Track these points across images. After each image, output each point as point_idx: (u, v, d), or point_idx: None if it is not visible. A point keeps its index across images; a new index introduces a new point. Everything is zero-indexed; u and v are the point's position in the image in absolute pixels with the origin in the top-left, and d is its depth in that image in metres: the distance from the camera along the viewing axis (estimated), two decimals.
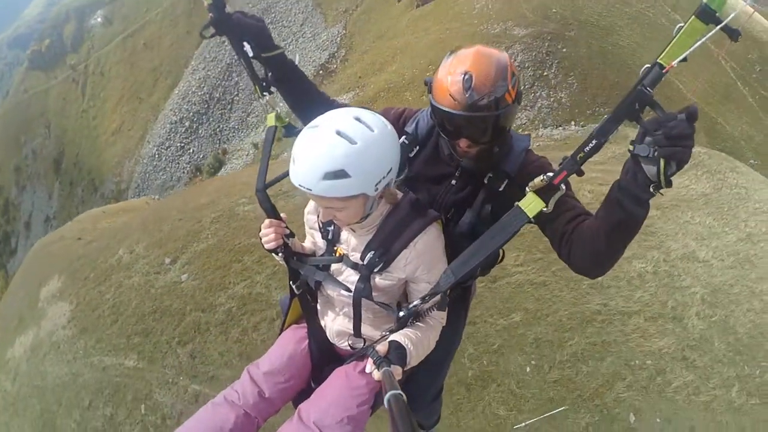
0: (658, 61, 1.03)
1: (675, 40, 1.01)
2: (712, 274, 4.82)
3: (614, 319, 4.25)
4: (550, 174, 1.24)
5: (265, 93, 1.67)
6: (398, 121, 1.69)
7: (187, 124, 26.87)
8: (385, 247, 1.44)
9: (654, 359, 4.00)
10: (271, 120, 1.70)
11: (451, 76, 1.33)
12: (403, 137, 1.61)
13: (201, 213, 6.73)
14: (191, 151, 26.45)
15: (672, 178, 1.03)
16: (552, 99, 13.67)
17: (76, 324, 5.60)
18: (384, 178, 1.27)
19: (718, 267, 4.91)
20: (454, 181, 1.59)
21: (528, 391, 3.74)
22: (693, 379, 3.95)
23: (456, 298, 1.73)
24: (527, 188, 1.29)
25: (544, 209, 1.26)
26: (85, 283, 6.18)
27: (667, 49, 1.02)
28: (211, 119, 26.44)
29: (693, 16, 0.99)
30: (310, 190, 1.21)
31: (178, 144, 26.79)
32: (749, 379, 4.02)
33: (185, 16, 31.03)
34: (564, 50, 14.47)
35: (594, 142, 1.14)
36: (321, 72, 23.72)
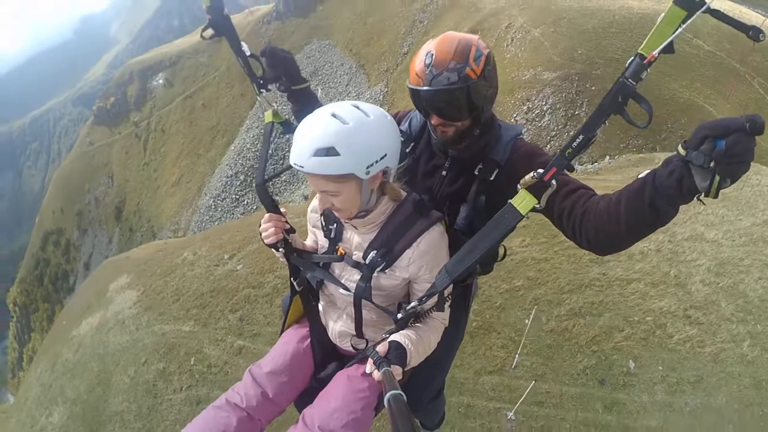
0: (639, 51, 1.01)
1: (655, 29, 0.99)
2: (721, 251, 4.93)
3: (613, 284, 4.52)
4: (540, 171, 1.23)
5: (262, 90, 1.72)
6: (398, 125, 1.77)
7: (242, 177, 29.94)
8: (387, 247, 1.45)
9: (654, 316, 4.18)
10: (269, 117, 1.73)
11: (417, 57, 1.44)
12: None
13: (257, 225, 7.91)
14: (245, 202, 29.23)
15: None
16: None
17: (142, 304, 6.66)
18: (377, 162, 1.28)
19: (728, 245, 5.01)
20: (444, 172, 1.63)
21: (526, 339, 4.07)
22: (697, 333, 4.06)
23: (456, 297, 1.68)
24: (519, 186, 1.28)
25: (537, 206, 1.25)
26: (152, 276, 7.35)
27: (647, 39, 1.00)
28: None
29: (672, 3, 0.98)
30: (302, 167, 1.24)
31: (233, 196, 29.76)
32: (762, 335, 4.04)
33: (240, 78, 35.83)
34: (593, 88, 15.22)
35: (581, 137, 1.13)
36: None
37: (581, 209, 1.28)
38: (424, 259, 1.44)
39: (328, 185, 1.30)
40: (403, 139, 1.60)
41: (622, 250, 1.28)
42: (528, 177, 1.25)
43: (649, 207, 1.08)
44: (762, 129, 0.85)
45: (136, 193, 39.86)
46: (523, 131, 1.60)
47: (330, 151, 1.21)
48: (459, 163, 1.60)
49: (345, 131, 1.23)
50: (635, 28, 16.18)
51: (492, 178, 1.52)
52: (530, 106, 15.90)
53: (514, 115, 15.80)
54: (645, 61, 1.00)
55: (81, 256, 40.92)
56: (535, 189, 1.25)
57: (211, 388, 4.79)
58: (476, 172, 1.54)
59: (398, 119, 1.77)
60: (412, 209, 1.46)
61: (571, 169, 1.26)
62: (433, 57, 1.38)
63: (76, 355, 6.65)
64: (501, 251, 1.82)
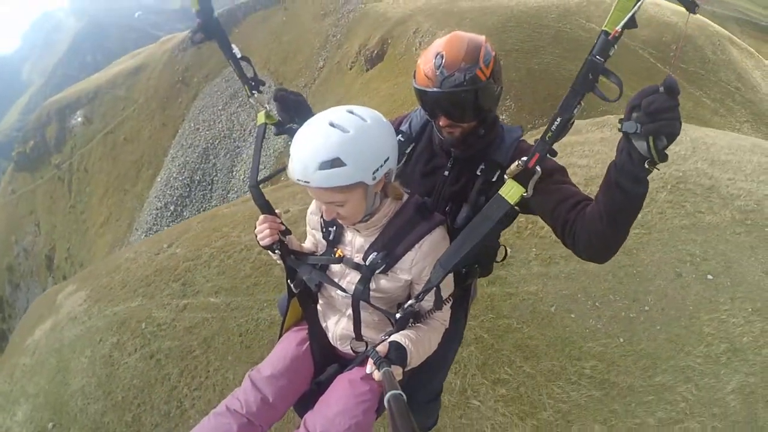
0: (603, 29, 1.03)
1: (616, 4, 1.00)
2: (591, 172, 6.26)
3: None
4: (524, 158, 1.25)
5: (253, 92, 1.71)
6: (397, 128, 1.77)
7: (172, 208, 29.61)
8: (388, 249, 1.45)
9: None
10: (261, 118, 1.74)
11: (426, 57, 1.46)
12: (399, 136, 1.68)
13: (191, 223, 8.58)
14: None
15: (667, 151, 1.01)
16: None
17: (91, 299, 6.97)
18: (381, 166, 1.29)
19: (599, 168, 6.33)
20: (447, 172, 1.64)
21: None
22: None
23: (456, 299, 1.69)
24: (505, 175, 1.31)
25: (525, 194, 1.27)
26: (97, 277, 7.72)
27: (609, 16, 1.02)
28: (194, 200, 29.21)
29: None
30: (308, 182, 1.22)
31: (165, 227, 29.16)
32: None
33: (160, 110, 35.17)
34: None
35: (559, 119, 1.14)
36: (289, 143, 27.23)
37: (578, 221, 1.32)
38: (427, 260, 1.45)
39: (335, 196, 1.30)
40: (403, 139, 1.68)
41: (616, 250, 1.29)
42: (513, 166, 1.28)
43: (617, 188, 1.13)
44: (672, 87, 0.95)
45: (65, 238, 37.43)
46: (522, 132, 1.64)
47: (335, 162, 1.20)
48: (461, 164, 1.64)
49: (348, 140, 1.22)
50: (532, 20, 17.81)
51: (494, 179, 1.56)
52: None
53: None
54: (610, 37, 1.02)
55: (17, 313, 37.29)
56: (522, 177, 1.27)
57: (162, 341, 5.45)
58: (478, 173, 1.58)
59: (397, 122, 1.81)
60: (414, 212, 1.47)
61: (554, 154, 1.26)
62: (444, 58, 1.41)
63: (33, 358, 6.86)
64: (502, 252, 1.84)
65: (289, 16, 35.34)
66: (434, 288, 1.42)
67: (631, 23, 1.00)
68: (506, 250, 1.82)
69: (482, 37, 1.50)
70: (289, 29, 34.57)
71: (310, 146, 1.22)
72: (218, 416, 1.54)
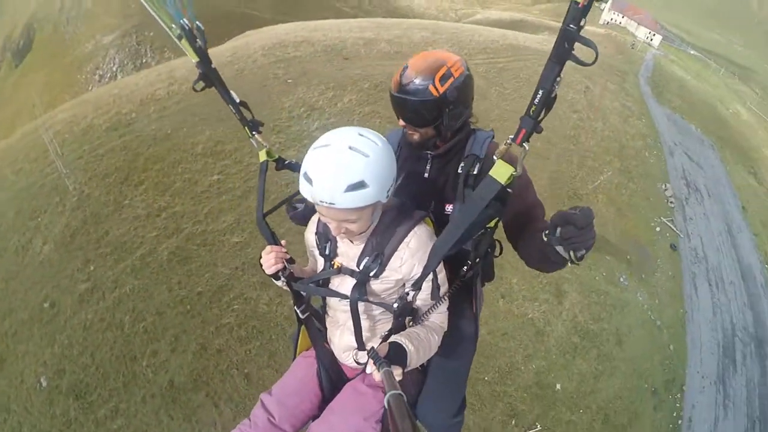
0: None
1: None
2: None
3: None
4: (512, 136, 1.29)
5: (253, 132, 1.81)
6: None
7: None
8: (378, 251, 1.50)
9: None
10: (263, 155, 1.83)
11: (402, 66, 1.63)
12: None
13: None
14: None
15: (580, 253, 1.23)
16: None
17: None
18: (392, 185, 1.40)
19: None
20: (426, 175, 1.75)
21: None
22: None
23: (462, 304, 1.77)
24: (494, 156, 1.35)
25: (514, 173, 1.30)
26: None
27: None
28: None
29: None
30: (333, 204, 1.29)
31: None
32: None
33: None
34: (151, 34, 17.30)
35: (541, 92, 1.16)
36: None
37: (519, 241, 1.62)
38: (416, 257, 1.49)
39: (351, 215, 1.36)
40: None
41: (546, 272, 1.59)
42: (502, 146, 1.33)
43: (544, 260, 1.39)
44: (590, 218, 1.14)
45: None
46: (494, 133, 1.77)
47: (360, 185, 1.29)
48: (438, 164, 1.74)
49: (370, 164, 1.30)
50: None
51: (476, 172, 1.63)
52: (101, 73, 16.91)
53: (90, 88, 16.50)
54: (580, 5, 1.04)
55: None
56: (510, 157, 1.34)
57: None
58: (459, 170, 1.66)
59: None
60: (396, 212, 1.54)
61: (539, 130, 1.27)
62: (407, 69, 1.60)
63: None
64: (498, 248, 1.86)
65: None
66: (431, 276, 1.51)
67: None
68: (501, 246, 1.84)
69: (455, 57, 1.63)
70: None
71: (334, 171, 1.28)
72: None
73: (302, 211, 1.91)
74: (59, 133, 9.12)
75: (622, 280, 11.14)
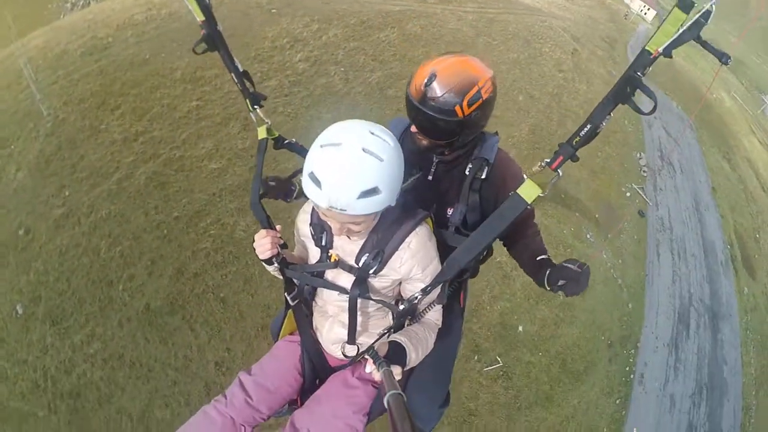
0: (645, 48, 1.09)
1: (660, 28, 1.07)
2: None
3: None
4: (547, 160, 1.29)
5: (255, 106, 1.71)
6: None
7: None
8: (379, 249, 1.46)
9: None
10: (262, 132, 1.73)
11: (424, 69, 1.49)
12: None
13: None
14: None
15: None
16: None
17: None
18: (401, 187, 1.35)
19: None
20: (431, 177, 1.70)
21: None
22: None
23: (449, 299, 1.75)
24: (524, 176, 1.37)
25: (541, 194, 1.29)
26: None
27: (653, 36, 1.08)
28: None
29: (675, 6, 1.04)
30: (345, 210, 1.23)
31: None
32: None
33: None
34: None
35: (589, 126, 1.18)
36: None
37: (518, 256, 1.73)
38: (416, 258, 1.47)
39: (358, 218, 1.31)
40: None
41: None
42: (535, 168, 1.32)
43: (540, 284, 1.52)
44: (587, 283, 1.33)
45: None
46: (498, 137, 1.74)
47: (373, 191, 1.22)
48: (444, 166, 1.69)
49: (384, 169, 1.23)
50: None
51: (483, 176, 1.61)
52: (73, 1, 15.68)
53: (62, 16, 15.53)
54: (652, 57, 1.08)
55: None
56: (540, 178, 1.31)
57: None
58: (467, 172, 1.63)
59: None
60: (399, 210, 1.47)
61: (576, 159, 1.28)
62: (435, 79, 1.45)
63: None
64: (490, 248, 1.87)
65: None
66: (443, 282, 1.49)
67: (669, 51, 1.07)
68: (491, 249, 1.86)
69: (486, 75, 1.51)
70: None
71: (347, 174, 1.20)
72: (206, 413, 1.57)
73: (277, 188, 1.84)
74: (33, 59, 8.75)
75: (588, 236, 11.63)
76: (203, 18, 1.47)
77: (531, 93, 12.43)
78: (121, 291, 6.22)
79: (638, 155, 16.25)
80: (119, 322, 5.95)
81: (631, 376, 10.70)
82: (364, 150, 1.20)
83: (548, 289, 1.44)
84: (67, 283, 6.16)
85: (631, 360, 10.95)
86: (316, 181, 1.21)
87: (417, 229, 1.46)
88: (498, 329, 8.54)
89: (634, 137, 16.89)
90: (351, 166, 1.20)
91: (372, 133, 1.26)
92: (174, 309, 6.24)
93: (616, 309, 11.40)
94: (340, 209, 1.22)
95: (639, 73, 1.09)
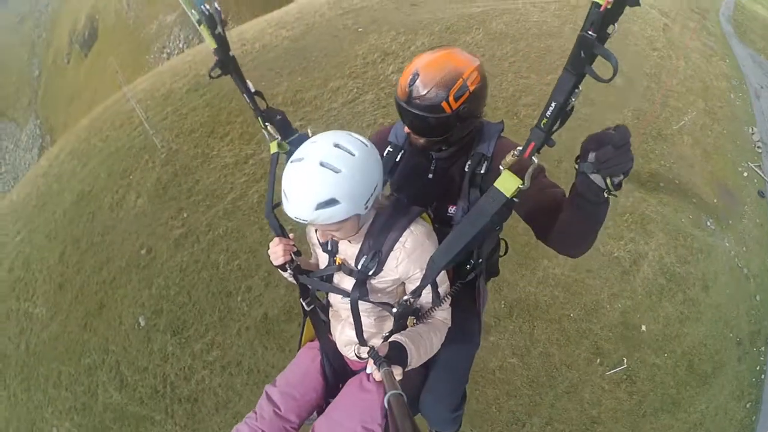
0: (594, 0, 0.90)
1: None
2: None
3: None
4: (520, 148, 1.19)
5: (266, 123, 1.77)
6: (385, 139, 1.80)
7: None
8: (375, 250, 1.47)
9: None
10: (274, 147, 1.79)
11: (408, 68, 1.47)
12: (388, 147, 1.74)
13: None
14: None
15: (619, 179, 1.08)
16: None
17: None
18: (372, 195, 1.33)
19: None
20: (431, 175, 1.68)
21: None
22: None
23: (465, 300, 1.72)
24: (500, 166, 1.26)
25: (521, 186, 1.21)
26: None
27: None
28: None
29: None
30: (306, 220, 1.28)
31: None
32: None
33: None
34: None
35: (553, 104, 1.05)
36: None
37: (551, 225, 1.38)
38: (413, 257, 1.46)
39: (331, 227, 1.36)
40: (392, 149, 1.74)
41: (589, 248, 1.36)
42: (509, 157, 1.23)
43: (580, 211, 1.22)
44: (623, 141, 1.00)
45: None
46: (503, 126, 1.64)
47: (330, 203, 1.25)
48: (444, 163, 1.67)
49: (341, 180, 1.25)
50: None
51: (482, 171, 1.57)
52: (168, 51, 17.64)
53: (160, 66, 17.14)
54: (601, 9, 0.88)
55: None
56: (518, 168, 1.22)
57: None
58: (465, 169, 1.59)
59: (384, 133, 1.83)
60: (392, 210, 1.49)
61: (552, 144, 1.15)
62: (418, 78, 1.43)
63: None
64: (503, 246, 1.82)
65: None
66: (430, 284, 1.45)
67: None
68: (507, 245, 1.80)
69: (472, 65, 1.46)
70: None
71: (305, 188, 1.26)
72: (238, 430, 1.64)
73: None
74: (141, 100, 9.52)
75: (708, 224, 10.52)
76: (215, 46, 1.57)
77: (628, 75, 11.62)
78: (240, 302, 6.45)
79: (750, 130, 14.49)
80: (238, 330, 6.16)
81: (762, 376, 9.43)
82: (321, 164, 1.25)
83: (584, 192, 1.16)
84: (187, 296, 6.51)
85: (761, 358, 9.65)
86: (285, 195, 1.30)
87: (411, 228, 1.46)
88: (620, 329, 7.95)
89: (742, 110, 15.06)
90: (306, 180, 1.26)
91: (336, 146, 1.29)
92: (290, 317, 6.34)
93: (743, 302, 10.16)
94: (303, 220, 1.28)
95: (590, 33, 0.92)
